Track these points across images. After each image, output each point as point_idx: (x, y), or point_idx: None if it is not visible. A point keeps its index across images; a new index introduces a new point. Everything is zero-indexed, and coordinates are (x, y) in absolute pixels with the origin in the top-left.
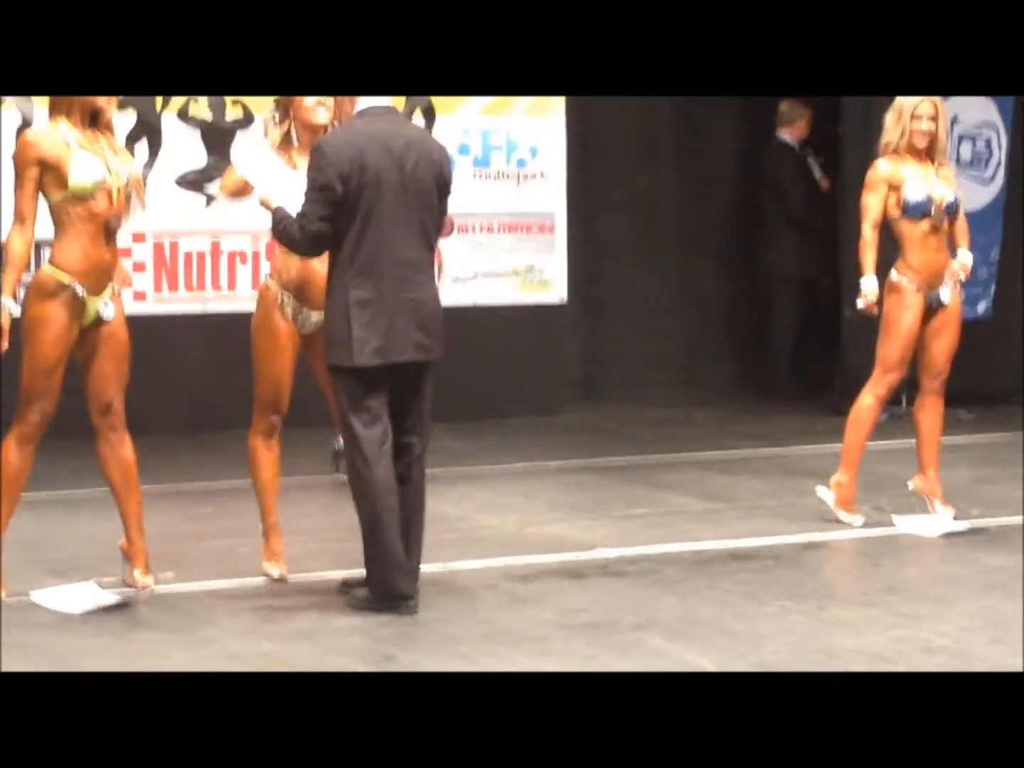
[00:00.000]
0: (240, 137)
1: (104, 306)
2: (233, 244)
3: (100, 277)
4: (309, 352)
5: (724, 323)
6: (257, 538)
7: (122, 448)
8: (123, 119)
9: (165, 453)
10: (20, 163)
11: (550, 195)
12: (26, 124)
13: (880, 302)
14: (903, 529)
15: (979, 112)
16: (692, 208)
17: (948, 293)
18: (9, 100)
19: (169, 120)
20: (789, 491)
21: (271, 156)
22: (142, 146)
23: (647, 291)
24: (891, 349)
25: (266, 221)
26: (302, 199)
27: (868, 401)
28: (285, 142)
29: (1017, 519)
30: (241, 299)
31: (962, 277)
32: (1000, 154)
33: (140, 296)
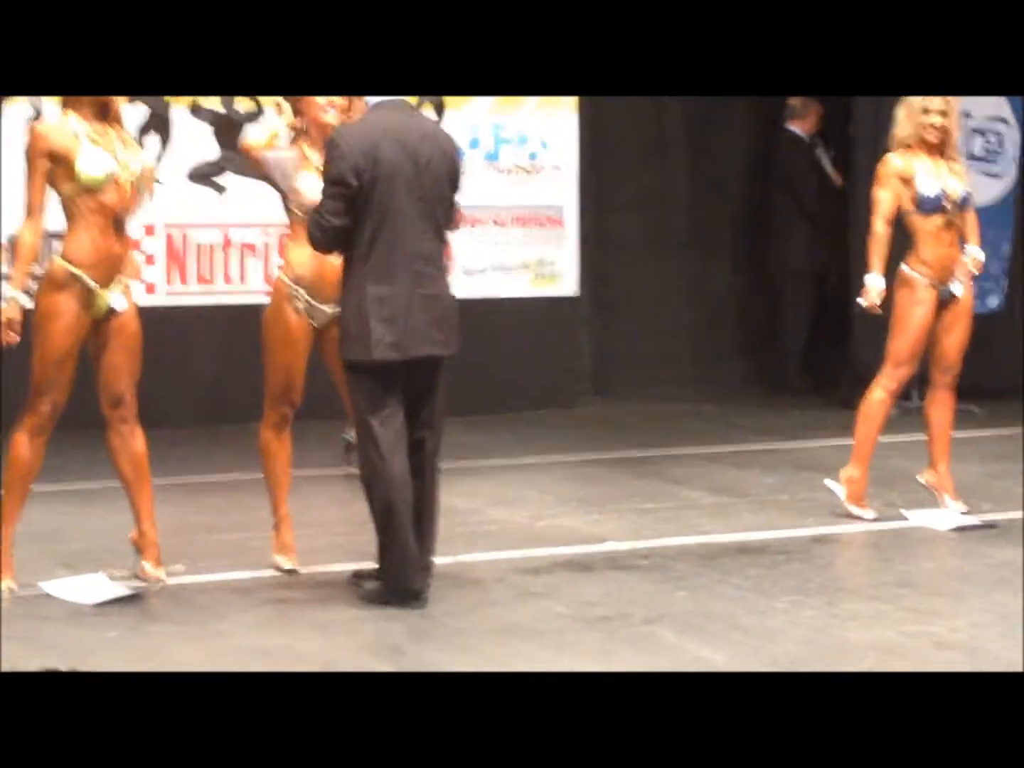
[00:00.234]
0: (251, 130)
1: (115, 298)
2: (244, 236)
3: (110, 269)
4: (321, 345)
5: (735, 319)
6: (268, 531)
7: (133, 440)
8: (134, 112)
9: (176, 446)
10: (30, 155)
11: (561, 189)
12: (36, 117)
13: (888, 299)
14: (914, 523)
15: (991, 107)
16: (702, 205)
17: (960, 288)
18: None
19: (180, 113)
20: (800, 485)
21: (284, 148)
22: (153, 139)
23: (658, 287)
24: (902, 344)
25: (278, 214)
26: (317, 193)
27: (879, 395)
28: (298, 136)
29: None
30: (252, 292)
31: (974, 272)
32: (1012, 149)
33: (151, 288)
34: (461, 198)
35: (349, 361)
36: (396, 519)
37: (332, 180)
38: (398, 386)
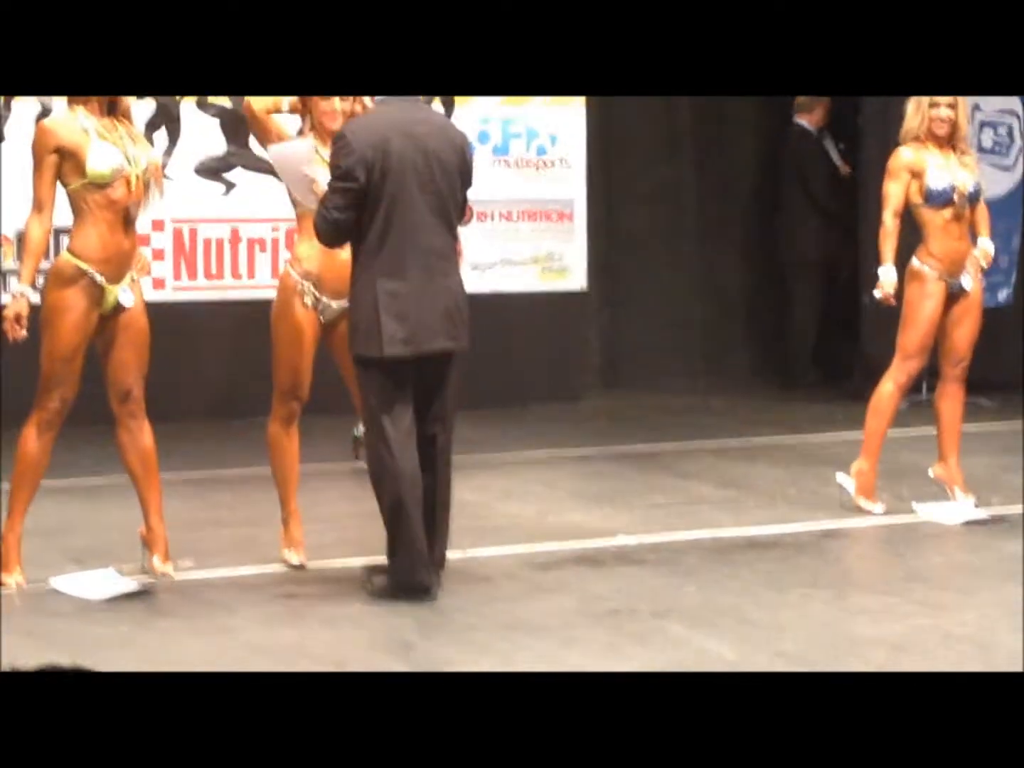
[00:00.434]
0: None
1: (123, 293)
2: (252, 231)
3: (119, 265)
4: (329, 340)
5: (744, 312)
6: (277, 526)
7: (141, 435)
8: (142, 107)
9: (185, 441)
10: (38, 151)
11: (570, 183)
12: (45, 113)
13: (899, 291)
14: (924, 517)
15: (1000, 100)
16: (712, 199)
17: (969, 281)
18: None
19: (188, 108)
20: (809, 479)
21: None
22: (161, 134)
23: (667, 280)
24: (912, 337)
25: (286, 209)
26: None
27: (889, 389)
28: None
29: None
30: (261, 287)
31: (984, 265)
32: (1021, 141)
33: (159, 284)
34: (471, 192)
35: (360, 356)
36: (405, 515)
37: (339, 174)
38: (409, 381)
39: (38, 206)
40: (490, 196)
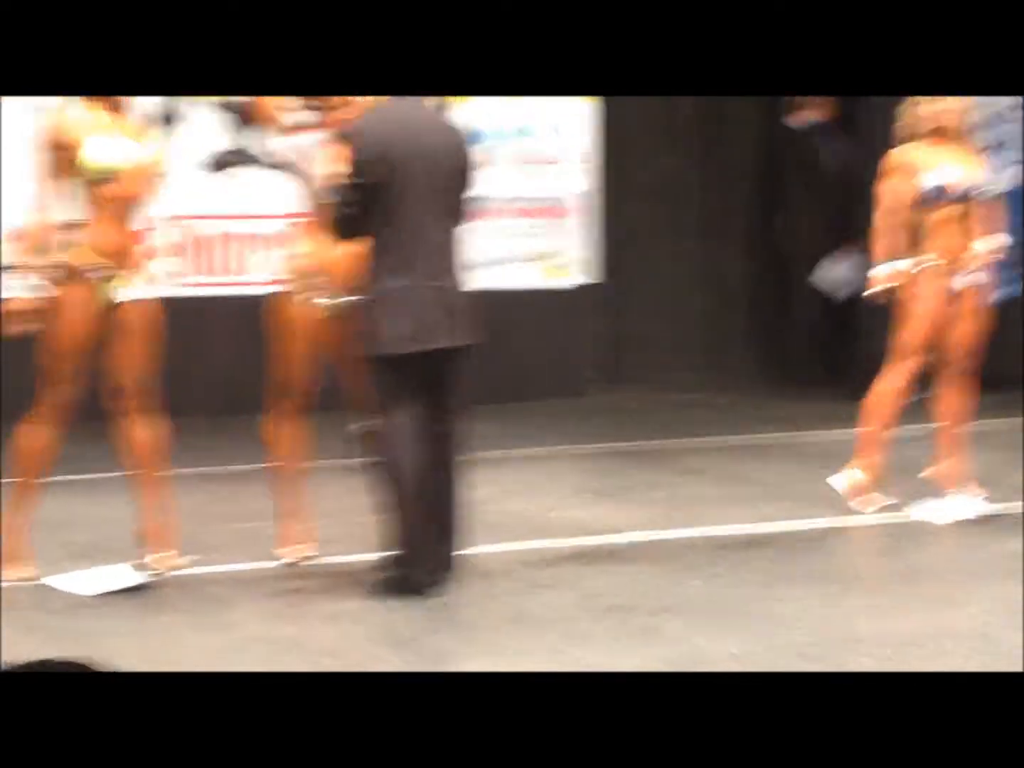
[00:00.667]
0: None
1: (122, 289)
2: (254, 227)
3: (119, 260)
4: (326, 336)
5: (746, 308)
6: (279, 521)
7: (133, 432)
8: (143, 101)
9: (189, 435)
10: (38, 146)
11: (572, 179)
12: (44, 108)
13: (895, 289)
14: (925, 514)
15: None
16: (714, 193)
17: (971, 278)
18: None
19: (189, 103)
20: (811, 476)
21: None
22: (162, 129)
23: (670, 275)
24: (910, 336)
25: (288, 205)
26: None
27: (885, 391)
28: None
29: None
30: (263, 282)
31: (986, 261)
32: None
33: (161, 279)
34: (474, 189)
35: (367, 354)
36: (410, 511)
37: (349, 171)
38: (417, 378)
39: (38, 201)
40: (493, 193)
